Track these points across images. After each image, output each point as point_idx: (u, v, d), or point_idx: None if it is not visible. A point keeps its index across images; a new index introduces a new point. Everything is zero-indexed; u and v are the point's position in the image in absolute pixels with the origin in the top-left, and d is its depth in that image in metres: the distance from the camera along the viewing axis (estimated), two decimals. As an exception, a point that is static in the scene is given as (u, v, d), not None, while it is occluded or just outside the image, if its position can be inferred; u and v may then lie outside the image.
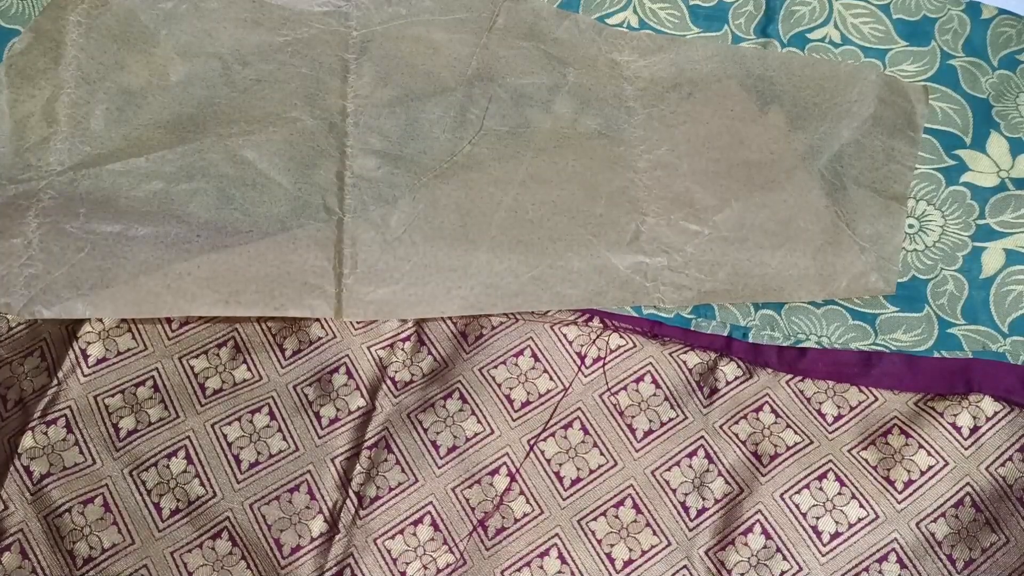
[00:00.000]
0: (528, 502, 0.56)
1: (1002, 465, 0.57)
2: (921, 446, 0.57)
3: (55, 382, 0.57)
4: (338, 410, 0.58)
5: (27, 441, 0.55)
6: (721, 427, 0.58)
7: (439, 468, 0.57)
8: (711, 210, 0.62)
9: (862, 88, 0.66)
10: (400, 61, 0.65)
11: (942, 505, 0.56)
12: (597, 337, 0.61)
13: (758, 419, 0.59)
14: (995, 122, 0.66)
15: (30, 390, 0.57)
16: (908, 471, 0.57)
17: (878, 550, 0.55)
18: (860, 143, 0.65)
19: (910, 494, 0.56)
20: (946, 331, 0.61)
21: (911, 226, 0.64)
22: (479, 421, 0.58)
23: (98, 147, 0.60)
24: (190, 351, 0.59)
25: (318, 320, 0.60)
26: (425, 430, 0.57)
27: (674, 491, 0.57)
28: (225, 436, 0.57)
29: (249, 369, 0.59)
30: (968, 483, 0.56)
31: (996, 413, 0.58)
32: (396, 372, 0.59)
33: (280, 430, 0.57)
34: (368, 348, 0.60)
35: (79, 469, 0.55)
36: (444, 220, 0.60)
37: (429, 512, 0.56)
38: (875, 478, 0.57)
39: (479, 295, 0.59)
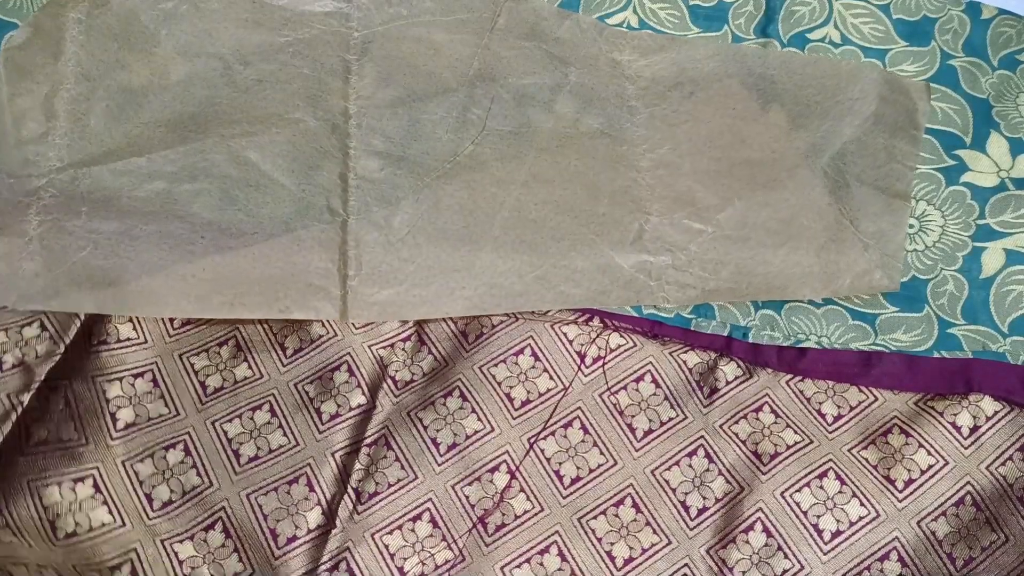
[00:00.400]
0: (528, 499, 0.56)
1: (1002, 464, 0.57)
2: (921, 445, 0.57)
3: (62, 348, 0.56)
4: (339, 406, 0.58)
5: (31, 401, 0.54)
6: (721, 427, 0.58)
7: (439, 465, 0.57)
8: (714, 209, 0.62)
9: (864, 86, 0.66)
10: (402, 62, 0.65)
11: (943, 504, 0.56)
12: (597, 336, 0.61)
13: (758, 419, 0.59)
14: (995, 122, 0.66)
15: (32, 355, 0.56)
16: (908, 470, 0.57)
17: (879, 548, 0.55)
18: (862, 141, 0.65)
19: (911, 493, 0.56)
20: (946, 331, 0.61)
21: (911, 226, 0.64)
22: (479, 419, 0.58)
23: (98, 145, 0.60)
24: (191, 349, 0.59)
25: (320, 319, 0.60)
26: (425, 428, 0.57)
27: (674, 490, 0.57)
28: (225, 432, 0.56)
29: (250, 367, 0.59)
30: (968, 482, 0.56)
31: (996, 413, 0.58)
32: (397, 371, 0.59)
33: (281, 426, 0.57)
34: (369, 347, 0.60)
35: (72, 445, 0.54)
36: (447, 221, 0.60)
37: (428, 509, 0.55)
38: (875, 477, 0.57)
39: (483, 295, 0.59)
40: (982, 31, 0.68)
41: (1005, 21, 0.68)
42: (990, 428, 0.57)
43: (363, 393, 0.59)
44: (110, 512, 0.53)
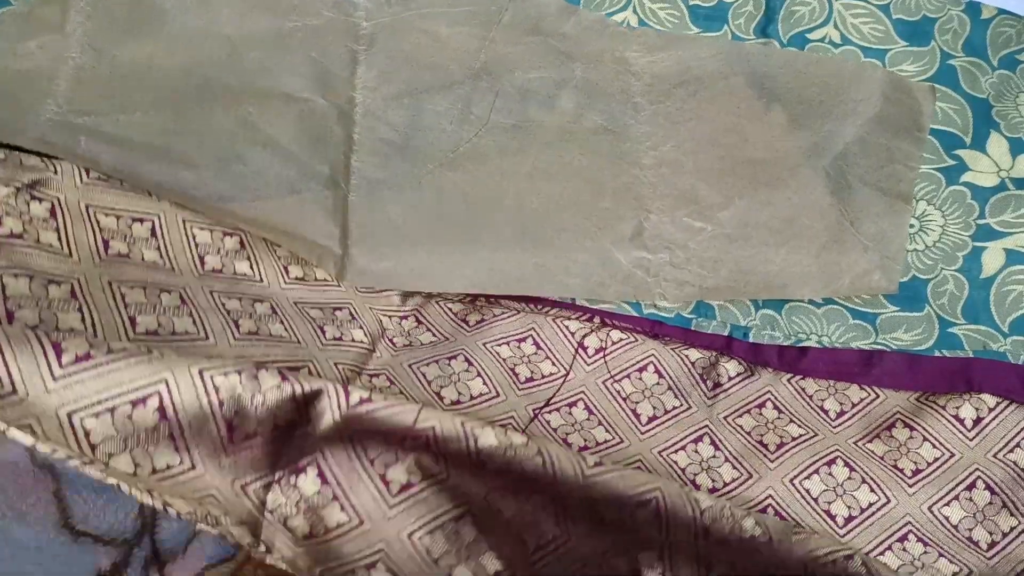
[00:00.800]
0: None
1: (1011, 452, 0.56)
2: (926, 439, 0.57)
3: (52, 172, 0.52)
4: (341, 333, 0.56)
5: (8, 197, 0.49)
6: (725, 419, 0.58)
7: (444, 410, 0.54)
8: (716, 207, 0.62)
9: (868, 86, 0.66)
10: (408, 54, 0.65)
11: (954, 489, 0.56)
12: (598, 328, 0.60)
13: (761, 414, 0.58)
14: (995, 122, 0.66)
15: (16, 161, 0.52)
16: (915, 463, 0.56)
17: (895, 532, 0.54)
18: (865, 141, 0.65)
19: (919, 481, 0.56)
20: (947, 330, 0.61)
21: (911, 226, 0.64)
22: (485, 384, 0.57)
23: (100, 102, 0.59)
24: (195, 222, 0.55)
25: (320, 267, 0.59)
26: (429, 382, 0.56)
27: (683, 470, 0.56)
28: (224, 305, 0.52)
29: (251, 267, 0.56)
30: (977, 469, 0.56)
31: (998, 404, 0.58)
32: (394, 337, 0.59)
33: (282, 322, 0.54)
34: (370, 308, 0.59)
35: (53, 251, 0.49)
36: (449, 208, 0.60)
37: (434, 429, 0.50)
38: (883, 466, 0.56)
39: (482, 277, 0.59)
40: (982, 31, 0.68)
41: (1005, 21, 0.68)
42: (994, 419, 0.57)
43: (365, 334, 0.57)
44: (83, 321, 0.47)
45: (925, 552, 0.54)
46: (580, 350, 0.60)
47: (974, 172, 0.65)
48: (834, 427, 0.58)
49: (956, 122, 0.66)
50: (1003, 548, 0.54)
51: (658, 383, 0.59)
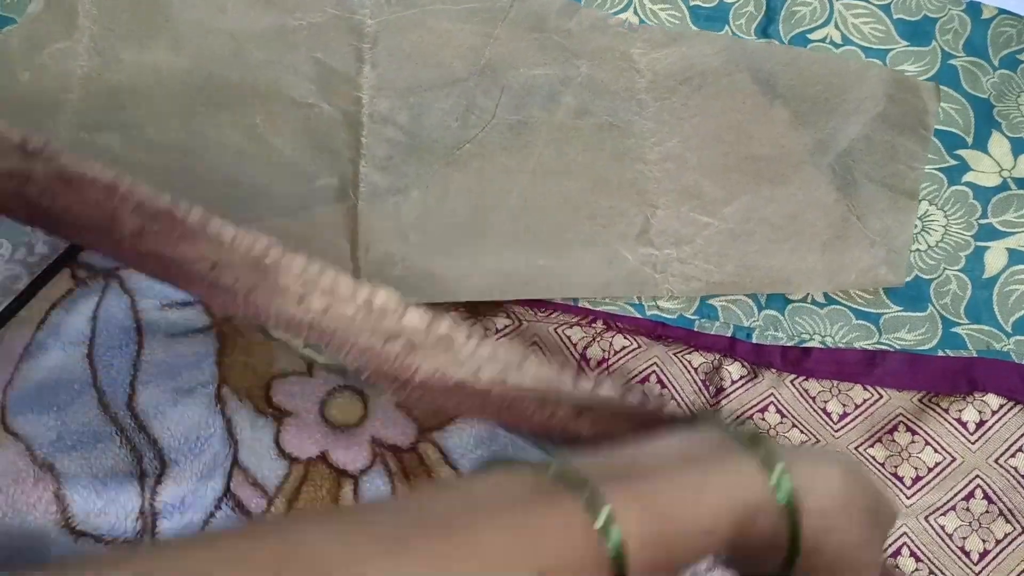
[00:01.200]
0: None
1: (1012, 456, 0.56)
2: (928, 443, 0.57)
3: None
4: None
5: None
6: (726, 427, 0.58)
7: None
8: (720, 203, 0.62)
9: (872, 85, 0.66)
10: (413, 51, 0.65)
11: (952, 499, 0.55)
12: (600, 336, 0.60)
13: (763, 419, 0.58)
14: (996, 122, 0.66)
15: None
16: (915, 468, 0.56)
17: (890, 543, 0.54)
18: (870, 139, 0.64)
19: (918, 490, 0.56)
20: (950, 330, 0.61)
21: (913, 226, 0.64)
22: None
23: (110, 115, 0.59)
24: None
25: None
26: None
27: None
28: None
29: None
30: (978, 476, 0.56)
31: (1002, 407, 0.57)
32: None
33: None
34: None
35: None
36: (455, 207, 0.60)
37: None
38: (882, 475, 0.56)
39: (489, 282, 0.59)
40: (983, 31, 0.68)
41: (1005, 21, 0.68)
42: (997, 421, 0.57)
43: None
44: None
45: (916, 570, 0.54)
46: (582, 364, 0.60)
47: (976, 172, 0.65)
48: (836, 431, 0.58)
49: (957, 122, 0.66)
50: (994, 558, 0.54)
51: (660, 394, 0.59)
